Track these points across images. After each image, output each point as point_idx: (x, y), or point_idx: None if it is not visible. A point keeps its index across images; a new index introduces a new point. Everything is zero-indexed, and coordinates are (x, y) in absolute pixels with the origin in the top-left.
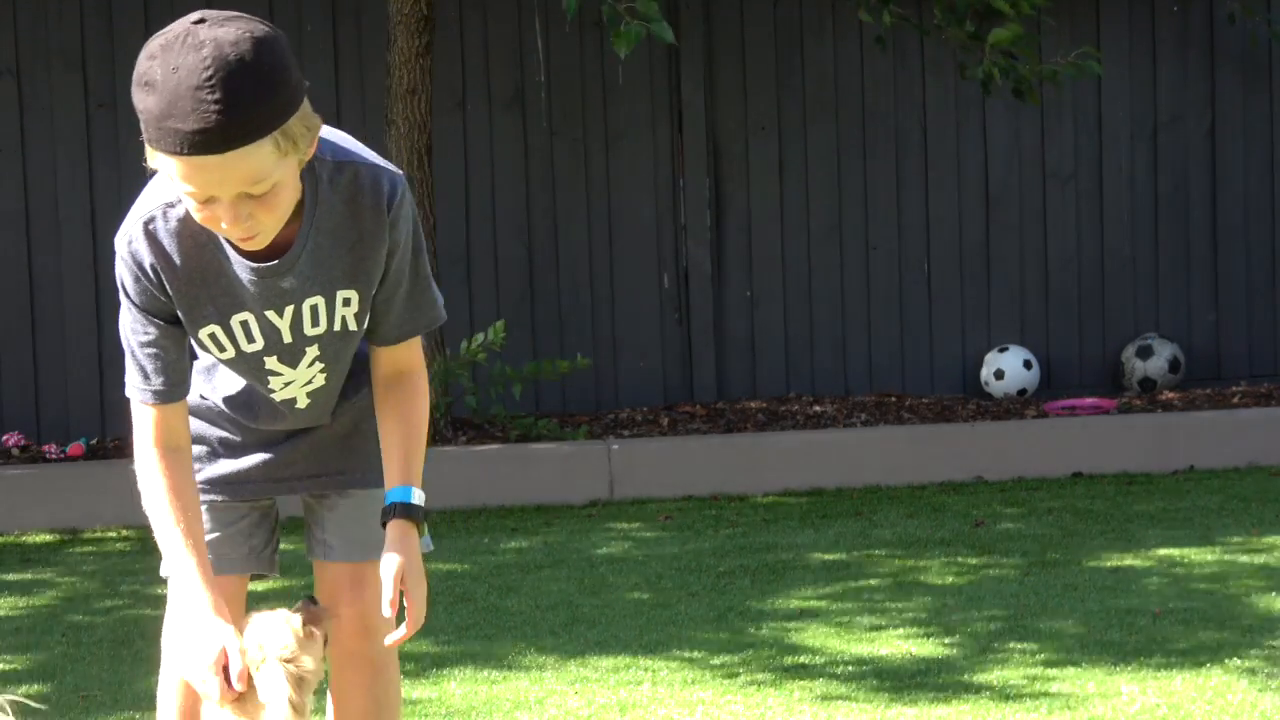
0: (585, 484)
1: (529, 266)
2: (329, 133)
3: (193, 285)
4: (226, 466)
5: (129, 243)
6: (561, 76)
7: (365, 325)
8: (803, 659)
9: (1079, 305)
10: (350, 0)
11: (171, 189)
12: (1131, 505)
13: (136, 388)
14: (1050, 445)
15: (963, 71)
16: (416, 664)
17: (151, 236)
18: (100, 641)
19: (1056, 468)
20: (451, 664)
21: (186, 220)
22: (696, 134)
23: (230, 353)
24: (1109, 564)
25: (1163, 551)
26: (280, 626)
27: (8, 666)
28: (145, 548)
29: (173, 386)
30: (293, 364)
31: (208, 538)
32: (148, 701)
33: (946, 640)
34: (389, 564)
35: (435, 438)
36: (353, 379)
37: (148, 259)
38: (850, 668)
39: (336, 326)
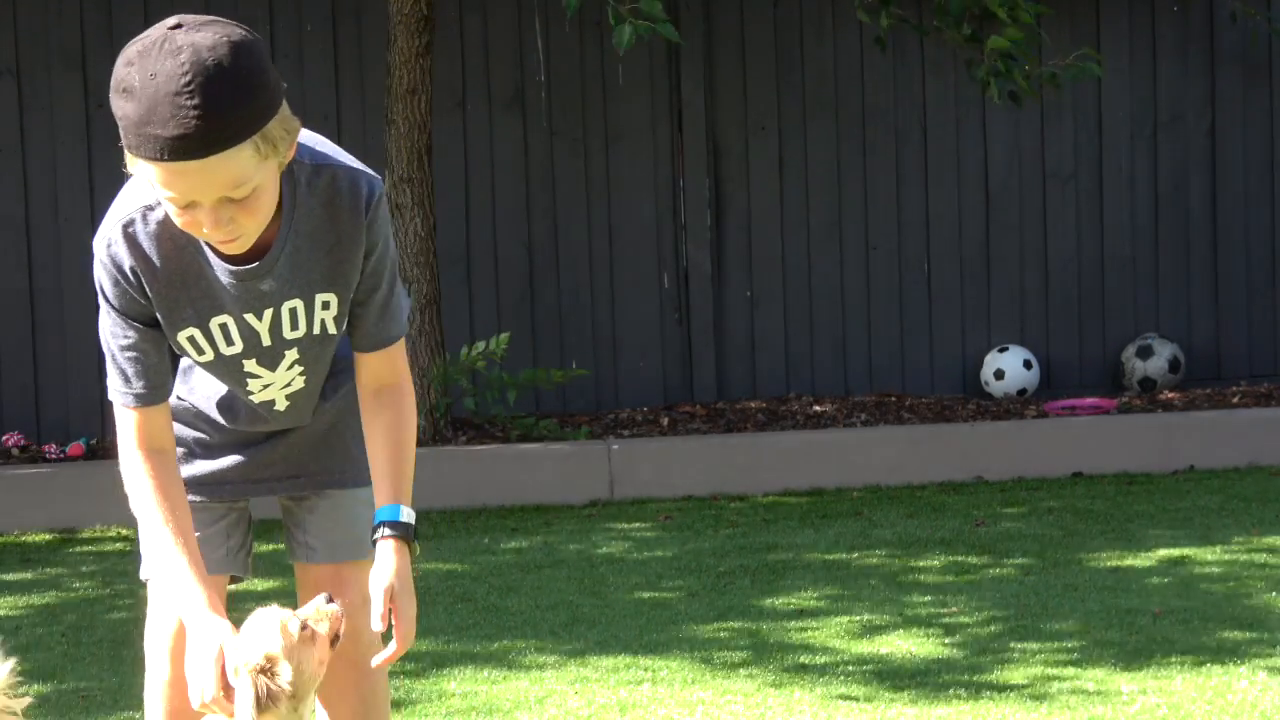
0: (585, 484)
1: (529, 266)
2: (306, 136)
3: (172, 288)
4: (204, 467)
5: (108, 245)
6: (561, 76)
7: (344, 328)
8: (802, 659)
9: (1079, 305)
10: (350, 0)
11: (149, 191)
12: (1131, 505)
13: (118, 391)
14: (1050, 445)
15: (970, 67)
16: (416, 664)
17: (131, 239)
18: (100, 641)
19: (1056, 468)
20: (451, 664)
21: (165, 223)
22: (696, 134)
23: (209, 355)
24: (1109, 564)
25: (1163, 551)
26: (268, 630)
27: None
28: None
29: (154, 389)
30: (271, 367)
31: None
32: None
33: (946, 640)
34: (379, 580)
35: (435, 438)
36: (332, 379)
37: (127, 261)
38: (850, 667)
39: (315, 330)
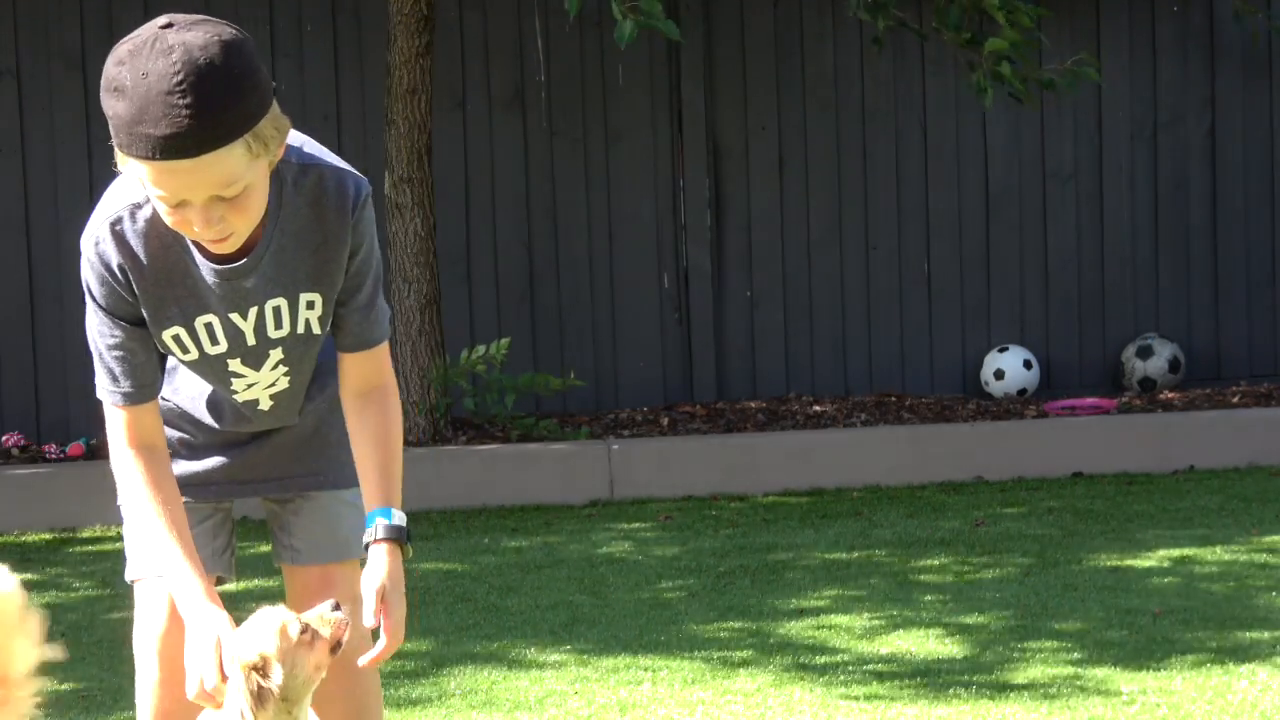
0: (585, 484)
1: (529, 266)
2: (293, 136)
3: (158, 286)
4: (188, 468)
5: (96, 244)
6: (561, 76)
7: (328, 328)
8: (802, 659)
9: (1079, 305)
10: (350, 0)
11: (136, 189)
12: (1131, 505)
13: (106, 390)
14: (1050, 445)
15: (971, 68)
16: (416, 664)
17: (119, 237)
18: (100, 641)
19: (1056, 468)
20: (451, 664)
21: (153, 221)
22: (696, 134)
23: (194, 354)
24: (1109, 564)
25: (1163, 551)
26: (266, 630)
27: None
28: None
29: (142, 388)
30: (256, 366)
31: None
32: None
33: (946, 640)
34: (371, 581)
35: (435, 438)
36: (317, 381)
37: (115, 259)
38: (850, 667)
39: (300, 329)
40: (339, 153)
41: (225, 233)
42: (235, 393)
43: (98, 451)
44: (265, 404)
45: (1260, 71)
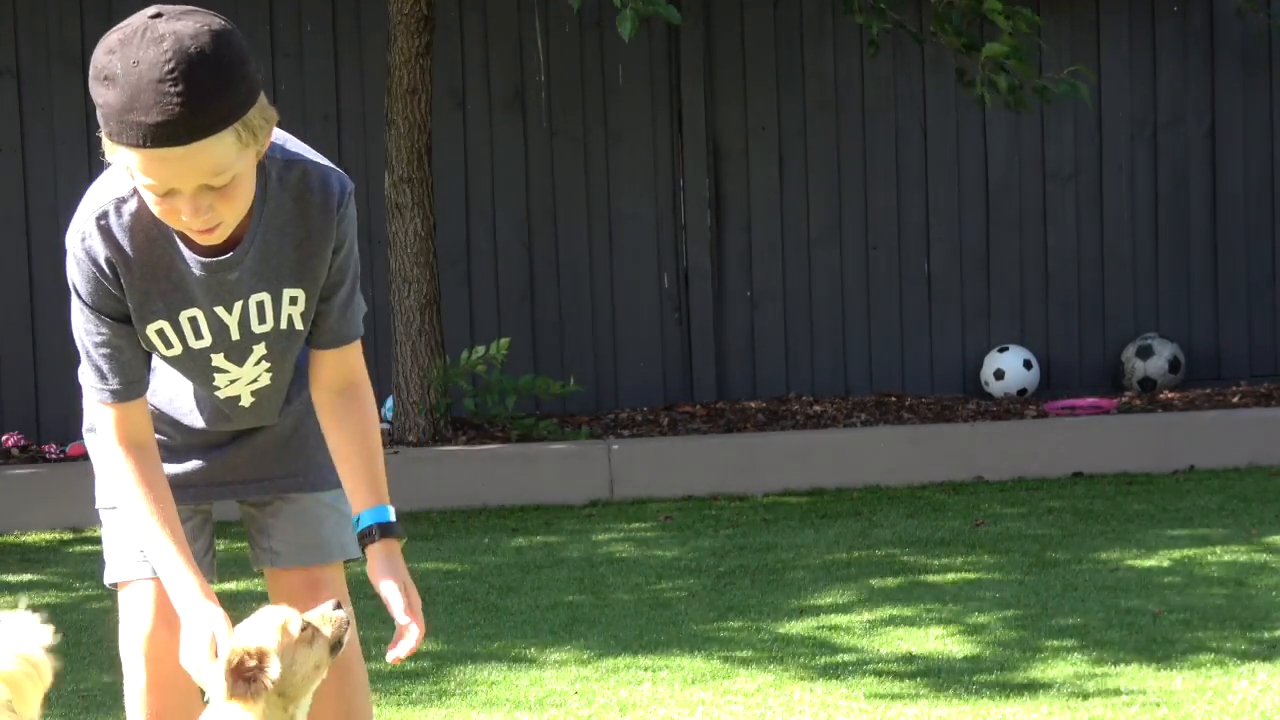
0: (585, 484)
1: (529, 266)
2: (277, 134)
3: (145, 280)
4: (167, 470)
5: (83, 239)
6: (561, 76)
7: (309, 324)
8: (802, 659)
9: (1079, 305)
10: (350, 0)
11: (121, 184)
12: (1131, 505)
13: (94, 388)
14: (1050, 445)
15: (960, 76)
16: (416, 664)
17: (106, 231)
18: (100, 641)
19: (1056, 468)
20: (451, 664)
21: (139, 215)
22: (696, 134)
23: (177, 349)
24: (1109, 564)
25: (1163, 551)
26: (267, 626)
27: None
28: None
29: (130, 385)
30: (239, 362)
31: None
32: None
33: (946, 640)
34: (390, 579)
35: (435, 438)
36: (297, 383)
37: (102, 253)
38: (850, 667)
39: (283, 325)
40: (339, 153)
41: (213, 222)
42: (217, 389)
43: None
44: (247, 400)
45: (1260, 71)
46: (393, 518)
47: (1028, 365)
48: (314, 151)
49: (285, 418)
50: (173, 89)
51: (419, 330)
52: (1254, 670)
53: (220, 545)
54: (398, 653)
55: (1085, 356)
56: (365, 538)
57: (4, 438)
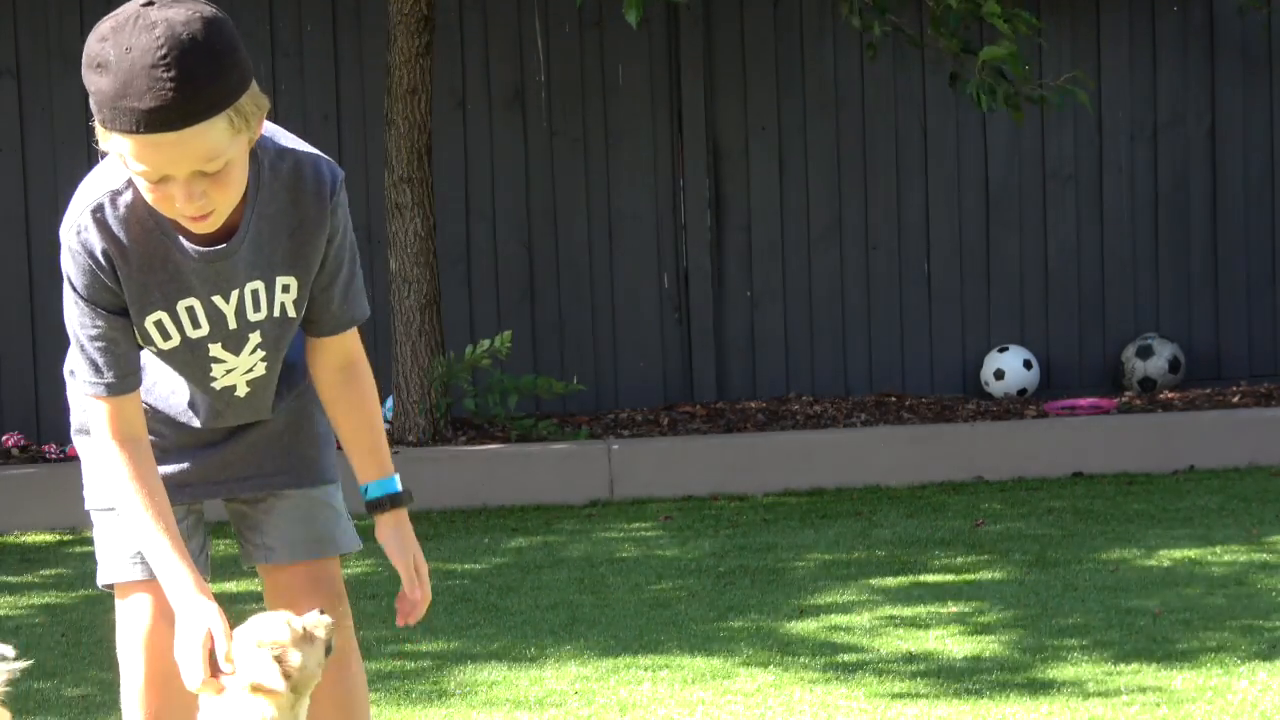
0: (585, 484)
1: (529, 266)
2: (268, 127)
3: (142, 271)
4: (161, 470)
5: (79, 232)
6: (561, 76)
7: (303, 314)
8: (802, 659)
9: (1079, 305)
10: (350, 0)
11: (115, 177)
12: (1131, 505)
13: (89, 382)
14: (1050, 445)
15: (952, 81)
16: (416, 663)
17: (101, 224)
18: (100, 641)
19: (1056, 468)
20: (451, 664)
21: (133, 206)
22: (696, 134)
23: (175, 341)
24: (1109, 564)
25: (1163, 551)
26: (274, 621)
27: None
28: None
29: (125, 378)
30: (236, 351)
31: None
32: None
33: (946, 640)
34: (402, 551)
35: (435, 438)
36: (286, 378)
37: (99, 246)
38: (850, 667)
39: (276, 312)
40: (339, 152)
41: (206, 209)
42: (214, 379)
43: None
44: (242, 390)
45: (1261, 71)
46: (400, 487)
47: (1028, 365)
48: (304, 142)
49: (277, 414)
50: (165, 74)
51: (419, 330)
52: (1254, 670)
53: (220, 546)
54: (407, 619)
55: (1085, 356)
56: (375, 508)
57: (4, 438)
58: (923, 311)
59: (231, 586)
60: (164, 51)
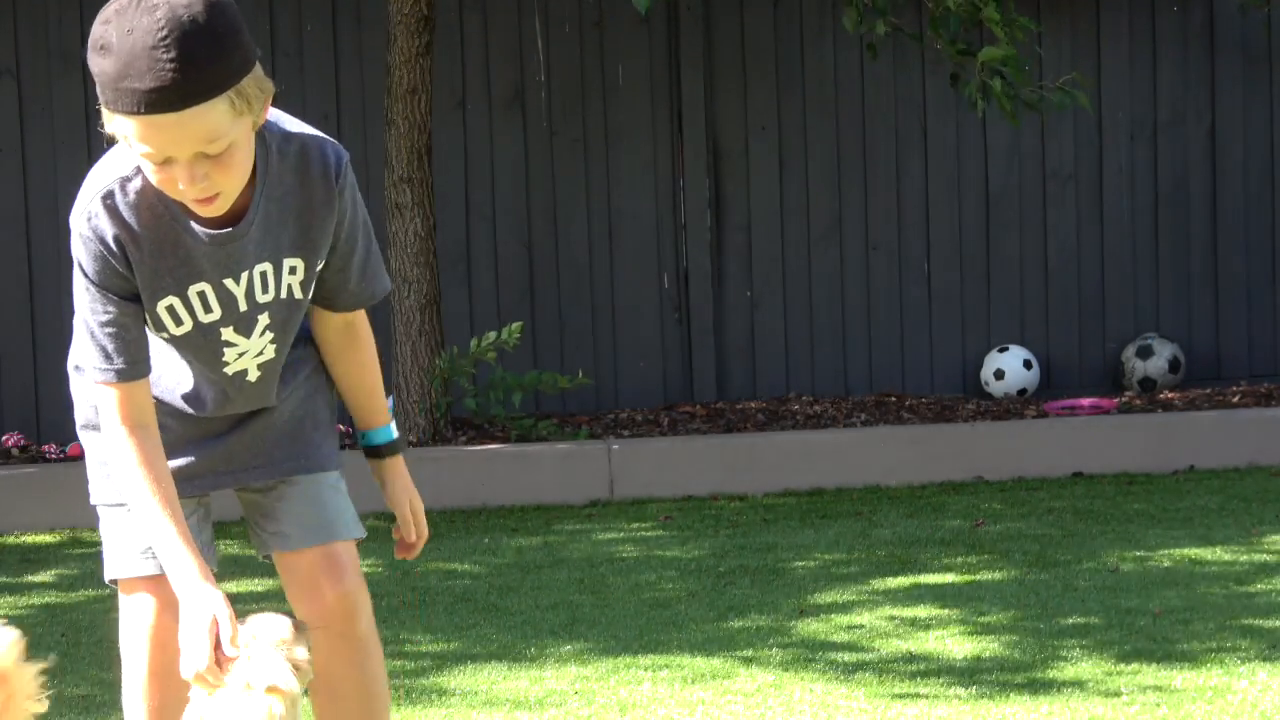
0: (585, 484)
1: (529, 266)
2: (274, 113)
3: (153, 257)
4: (171, 463)
5: (89, 218)
6: (561, 76)
7: (309, 296)
8: (802, 659)
9: (1079, 305)
10: (350, 0)
11: (124, 163)
12: (1131, 505)
13: (99, 369)
14: (1050, 445)
15: (953, 81)
16: (416, 663)
17: (112, 210)
18: (100, 641)
19: (1056, 468)
20: (451, 664)
21: (143, 192)
22: (696, 134)
23: (187, 325)
24: (1109, 564)
25: (1162, 551)
26: (276, 619)
27: None
28: None
29: (135, 364)
30: (247, 333)
31: None
32: None
33: (946, 640)
34: (400, 497)
35: (435, 438)
36: (291, 365)
37: (110, 231)
38: (850, 668)
39: (283, 294)
40: None
41: (211, 191)
42: (226, 364)
43: None
44: (253, 374)
45: (1261, 70)
46: (395, 434)
47: (1028, 365)
48: (309, 126)
49: (283, 401)
50: (165, 55)
51: (419, 330)
52: (1254, 670)
53: (220, 547)
54: (406, 554)
55: (1085, 356)
56: (374, 454)
57: (4, 438)
58: (922, 311)
59: (232, 587)
60: (165, 33)
